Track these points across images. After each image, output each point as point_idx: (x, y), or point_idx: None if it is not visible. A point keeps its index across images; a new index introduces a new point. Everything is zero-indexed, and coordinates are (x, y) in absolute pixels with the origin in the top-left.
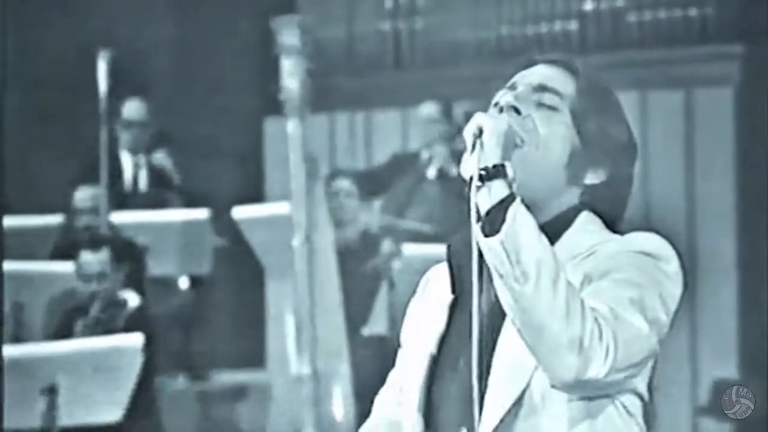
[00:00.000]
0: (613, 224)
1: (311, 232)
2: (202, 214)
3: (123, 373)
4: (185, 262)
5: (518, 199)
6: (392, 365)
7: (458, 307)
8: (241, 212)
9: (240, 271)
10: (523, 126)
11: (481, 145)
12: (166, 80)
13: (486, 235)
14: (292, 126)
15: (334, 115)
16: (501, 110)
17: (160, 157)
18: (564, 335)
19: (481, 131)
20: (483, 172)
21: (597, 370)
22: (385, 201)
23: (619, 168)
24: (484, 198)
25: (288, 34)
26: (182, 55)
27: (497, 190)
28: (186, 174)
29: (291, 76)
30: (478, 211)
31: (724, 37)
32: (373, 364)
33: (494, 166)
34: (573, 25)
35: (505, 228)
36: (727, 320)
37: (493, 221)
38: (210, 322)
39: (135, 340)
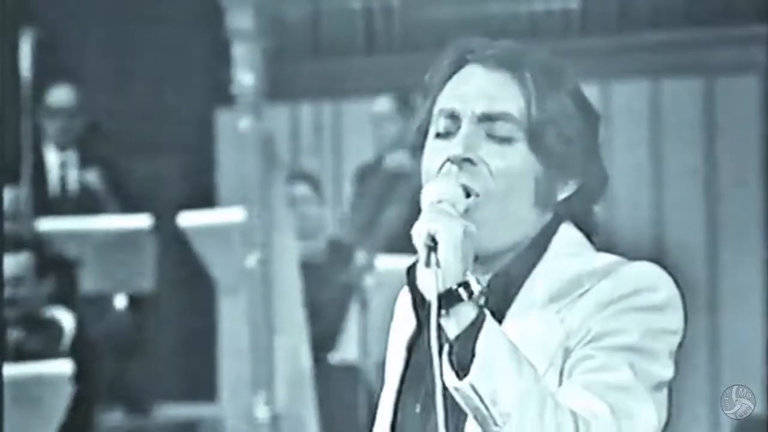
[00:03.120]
0: (590, 230)
1: (269, 243)
2: (142, 221)
3: (48, 407)
4: (123, 278)
5: (487, 320)
6: (365, 399)
7: (420, 338)
8: (188, 219)
9: (188, 287)
10: (478, 176)
11: (438, 263)
12: (100, 65)
13: (455, 371)
14: (245, 123)
15: (296, 106)
16: (450, 161)
17: (90, 177)
18: None
19: (434, 241)
20: (444, 297)
21: None
22: (354, 209)
23: (590, 168)
24: (448, 326)
25: (240, 16)
26: (119, 36)
27: (464, 315)
28: (124, 175)
29: (244, 66)
30: (442, 337)
31: (748, 17)
32: (342, 397)
33: (459, 286)
34: (573, 4)
35: (475, 366)
36: (752, 350)
37: (462, 353)
38: (152, 346)
39: (63, 367)
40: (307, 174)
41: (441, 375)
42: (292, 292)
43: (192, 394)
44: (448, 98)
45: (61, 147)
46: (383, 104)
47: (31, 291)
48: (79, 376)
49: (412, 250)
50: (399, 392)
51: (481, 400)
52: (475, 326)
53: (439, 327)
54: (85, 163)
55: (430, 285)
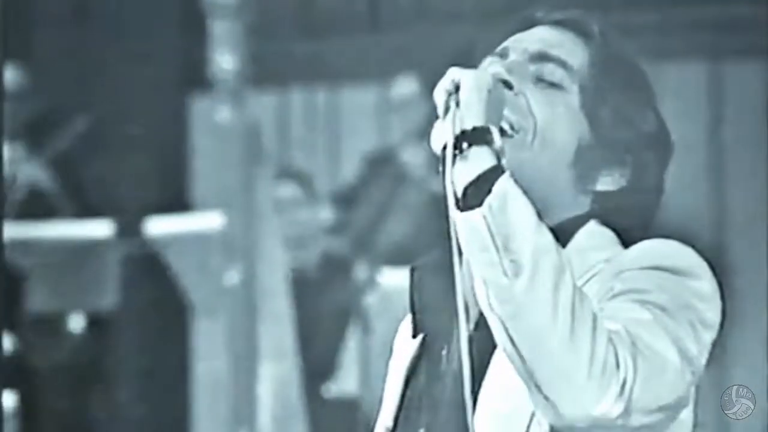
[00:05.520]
0: (630, 244)
1: (253, 255)
2: (104, 228)
3: None
4: (80, 295)
5: (508, 173)
6: None
7: (424, 356)
8: (157, 226)
9: (156, 307)
10: (515, 107)
11: (458, 103)
12: (52, 41)
13: (462, 211)
14: (224, 113)
15: (286, 92)
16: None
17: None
18: (567, 356)
19: (457, 87)
20: (460, 136)
21: (609, 406)
22: (354, 214)
23: (644, 170)
24: (461, 171)
25: None
26: (75, 8)
27: (479, 159)
28: (81, 173)
29: (223, 45)
30: (454, 193)
31: None
32: None
33: (475, 129)
34: None
35: (489, 200)
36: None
37: (474, 196)
38: (114, 376)
39: (5, 399)
40: (297, 173)
41: (451, 215)
42: (280, 312)
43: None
44: (500, 46)
45: (10, 137)
46: (406, 86)
47: None
48: (25, 412)
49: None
50: (395, 425)
51: (492, 238)
52: (494, 174)
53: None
54: (35, 157)
55: (445, 131)
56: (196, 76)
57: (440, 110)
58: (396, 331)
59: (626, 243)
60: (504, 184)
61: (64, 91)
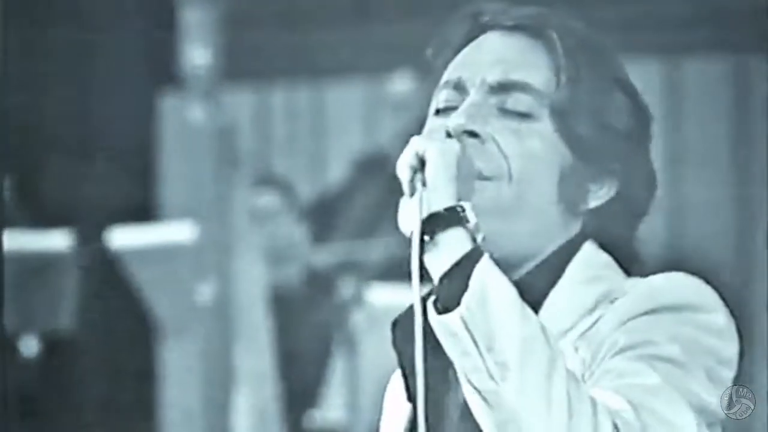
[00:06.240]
0: (628, 256)
1: (228, 270)
2: (61, 239)
3: None
4: (34, 314)
5: (486, 257)
6: None
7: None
8: (122, 237)
9: (120, 327)
10: (484, 154)
11: (423, 183)
12: (8, 36)
13: (439, 312)
14: (197, 112)
15: (265, 89)
16: (449, 136)
17: None
18: None
19: (422, 162)
20: (429, 220)
21: None
22: (342, 223)
23: (634, 168)
24: (433, 259)
25: None
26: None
27: (453, 244)
28: (36, 179)
29: (195, 38)
30: (427, 278)
31: None
32: None
33: (446, 210)
34: None
35: (467, 298)
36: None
37: (450, 291)
38: (73, 405)
39: None
40: (277, 179)
41: (422, 323)
42: (258, 333)
43: None
44: (454, 68)
45: None
46: (402, 82)
47: None
48: None
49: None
50: None
51: (474, 342)
52: (470, 261)
53: (422, 268)
54: None
55: (413, 214)
56: (165, 72)
57: (405, 188)
58: (384, 352)
59: (622, 258)
60: (482, 275)
61: (17, 88)
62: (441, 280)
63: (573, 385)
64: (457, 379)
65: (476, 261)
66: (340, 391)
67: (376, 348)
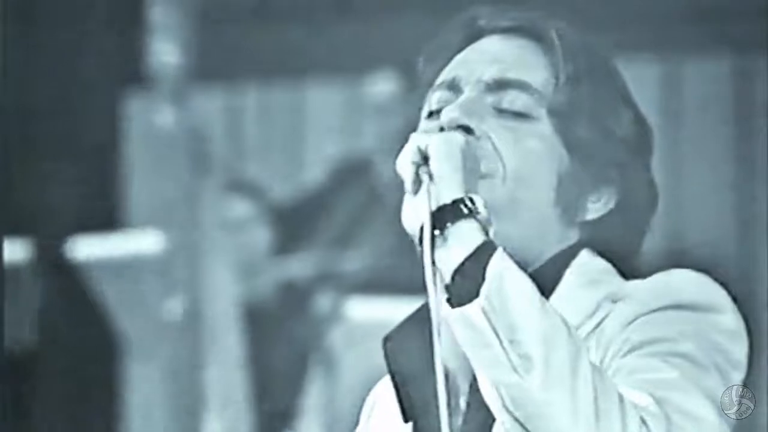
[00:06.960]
0: (629, 268)
1: (197, 283)
2: (19, 250)
3: None
4: None
5: (500, 249)
6: None
7: None
8: (84, 248)
9: (81, 344)
10: (479, 151)
11: (430, 176)
12: None
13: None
14: (165, 115)
15: (238, 89)
16: (442, 131)
17: None
18: None
19: (425, 158)
20: (439, 213)
21: None
22: (319, 233)
23: (633, 179)
24: (445, 254)
25: None
26: None
27: (464, 237)
28: None
29: (163, 35)
30: (438, 276)
31: None
32: None
33: (454, 202)
34: None
35: (485, 289)
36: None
37: (465, 285)
38: (31, 427)
39: None
40: (250, 186)
41: (438, 319)
42: (230, 352)
43: None
44: (448, 70)
45: None
46: (384, 83)
47: None
48: None
49: (396, 291)
50: None
51: (496, 333)
52: (484, 252)
53: (435, 265)
54: None
55: (420, 208)
56: (131, 71)
57: (408, 185)
58: (365, 371)
59: (622, 270)
60: (498, 265)
61: None
62: (453, 276)
63: (598, 377)
64: (457, 394)
65: (491, 252)
66: (317, 413)
67: (356, 366)
